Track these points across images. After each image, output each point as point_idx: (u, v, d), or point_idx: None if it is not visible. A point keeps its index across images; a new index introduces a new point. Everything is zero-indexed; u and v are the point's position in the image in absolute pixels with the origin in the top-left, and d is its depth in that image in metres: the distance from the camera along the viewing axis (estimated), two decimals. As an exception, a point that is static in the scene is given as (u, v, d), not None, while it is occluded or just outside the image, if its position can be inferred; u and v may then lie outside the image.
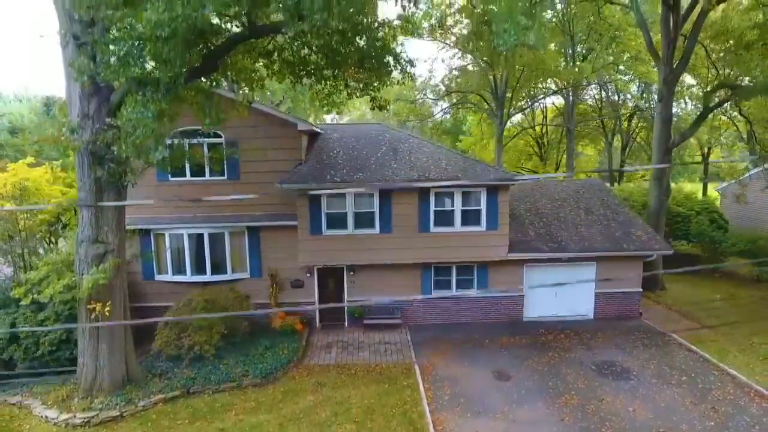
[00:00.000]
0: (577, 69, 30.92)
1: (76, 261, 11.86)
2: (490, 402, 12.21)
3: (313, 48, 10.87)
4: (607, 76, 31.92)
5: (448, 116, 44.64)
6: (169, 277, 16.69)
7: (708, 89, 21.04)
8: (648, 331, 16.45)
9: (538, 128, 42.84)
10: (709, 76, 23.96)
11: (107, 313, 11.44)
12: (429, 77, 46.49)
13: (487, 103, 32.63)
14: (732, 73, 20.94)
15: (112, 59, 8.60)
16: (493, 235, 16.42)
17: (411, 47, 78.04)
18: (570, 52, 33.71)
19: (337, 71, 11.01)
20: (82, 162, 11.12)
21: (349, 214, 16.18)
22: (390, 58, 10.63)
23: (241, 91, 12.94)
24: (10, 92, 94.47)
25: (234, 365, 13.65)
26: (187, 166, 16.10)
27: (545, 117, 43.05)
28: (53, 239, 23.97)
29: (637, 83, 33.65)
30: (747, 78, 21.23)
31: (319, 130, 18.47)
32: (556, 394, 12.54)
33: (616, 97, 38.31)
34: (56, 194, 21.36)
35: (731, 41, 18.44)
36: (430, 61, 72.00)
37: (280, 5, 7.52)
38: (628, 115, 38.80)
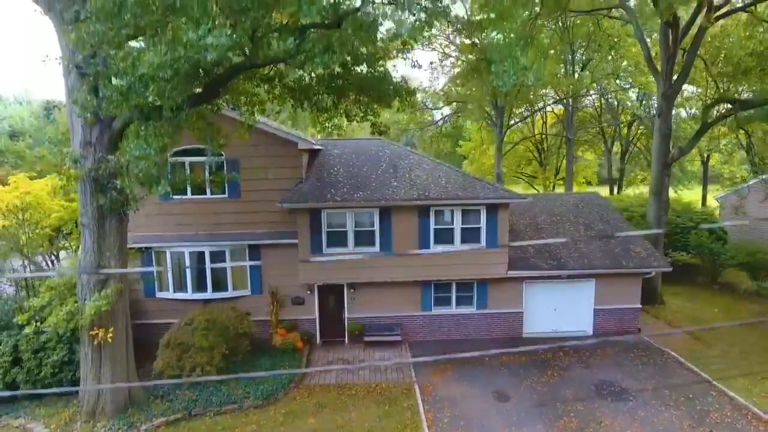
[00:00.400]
0: (576, 77, 31.03)
1: (79, 286, 11.94)
2: (489, 425, 12.30)
3: (314, 76, 10.96)
4: (606, 82, 31.96)
5: (447, 124, 44.75)
6: (170, 294, 16.77)
7: (707, 103, 21.07)
8: (646, 348, 16.54)
9: (537, 135, 42.98)
10: (708, 88, 24.03)
11: (110, 339, 11.51)
12: (429, 86, 46.45)
13: (487, 113, 32.73)
14: (731, 87, 20.97)
15: (114, 95, 8.68)
16: (492, 253, 16.51)
17: (414, 56, 77.44)
18: (569, 58, 33.81)
19: (337, 99, 11.07)
20: (84, 189, 11.20)
21: (350, 232, 16.26)
22: (390, 87, 10.70)
23: (242, 115, 12.98)
24: (10, 95, 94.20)
25: (235, 386, 13.74)
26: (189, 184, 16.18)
27: (545, 122, 43.19)
28: (55, 252, 24.08)
29: (636, 91, 33.70)
30: (746, 89, 21.29)
31: (319, 147, 18.53)
32: (555, 416, 12.62)
33: (615, 103, 38.44)
34: (57, 208, 21.40)
35: (730, 66, 18.52)
36: (431, 70, 71.70)
37: (282, 49, 7.60)
38: (627, 122, 38.93)
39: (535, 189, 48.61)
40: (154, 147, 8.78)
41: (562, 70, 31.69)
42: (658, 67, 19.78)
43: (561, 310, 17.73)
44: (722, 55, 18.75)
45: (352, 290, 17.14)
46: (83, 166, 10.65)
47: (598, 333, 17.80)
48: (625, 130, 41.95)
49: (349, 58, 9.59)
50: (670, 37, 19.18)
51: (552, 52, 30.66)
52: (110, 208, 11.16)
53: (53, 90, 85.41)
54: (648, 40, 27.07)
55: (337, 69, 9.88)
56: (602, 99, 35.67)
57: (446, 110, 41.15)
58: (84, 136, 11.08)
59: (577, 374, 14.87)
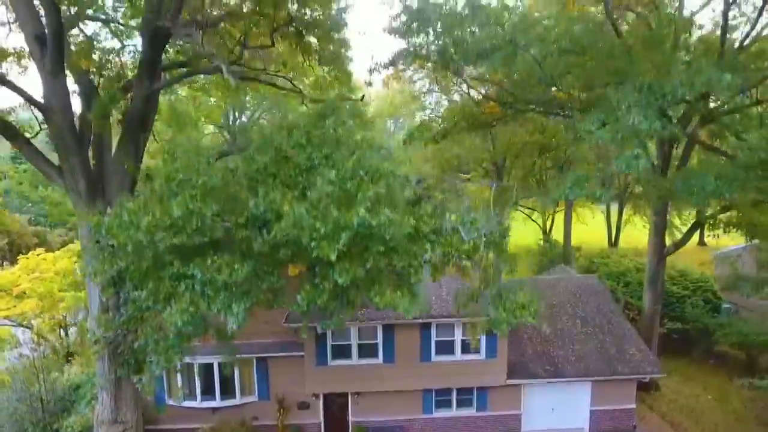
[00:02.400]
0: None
1: (96, 439, 12.49)
2: None
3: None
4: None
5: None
6: (180, 402, 17.33)
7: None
8: (641, 455, 17.13)
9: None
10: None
11: (128, 497, 12.09)
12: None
13: (486, 171, 33.15)
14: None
15: (134, 312, 9.20)
16: (492, 363, 17.07)
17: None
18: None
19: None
20: (102, 356, 11.72)
21: (354, 345, 16.82)
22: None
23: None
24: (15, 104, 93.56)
25: None
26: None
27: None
28: (65, 327, 24.65)
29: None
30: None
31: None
32: None
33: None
34: (66, 297, 21.86)
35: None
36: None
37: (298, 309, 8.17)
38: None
39: (534, 222, 49.00)
40: (175, 361, 9.32)
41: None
42: (654, 163, 20.21)
43: (558, 409, 18.29)
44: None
45: (356, 395, 17.70)
46: (102, 345, 11.15)
47: (595, 431, 18.39)
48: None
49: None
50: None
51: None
52: (127, 375, 11.68)
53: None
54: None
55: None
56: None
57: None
58: (101, 304, 11.60)
59: (574, 492, 15.44)
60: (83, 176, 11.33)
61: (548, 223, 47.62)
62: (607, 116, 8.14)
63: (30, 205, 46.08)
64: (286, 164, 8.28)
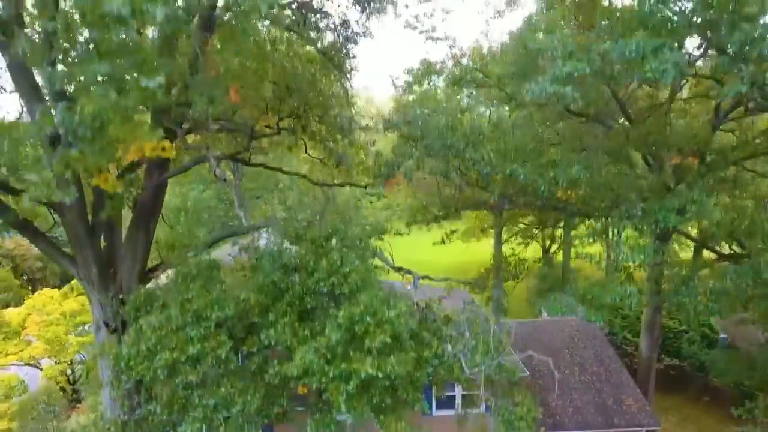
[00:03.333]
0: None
1: None
2: None
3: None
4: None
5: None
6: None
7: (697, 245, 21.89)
8: (636, 507, 17.56)
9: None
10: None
11: None
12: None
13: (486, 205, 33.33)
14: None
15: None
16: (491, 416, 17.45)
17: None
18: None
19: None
20: (113, 436, 12.09)
21: (357, 401, 17.21)
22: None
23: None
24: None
25: None
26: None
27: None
28: (73, 368, 25.04)
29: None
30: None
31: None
32: None
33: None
34: (73, 341, 22.26)
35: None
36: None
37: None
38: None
39: (534, 239, 48.96)
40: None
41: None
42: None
43: (557, 459, 18.72)
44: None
45: (358, 448, 18.12)
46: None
47: (592, 481, 18.82)
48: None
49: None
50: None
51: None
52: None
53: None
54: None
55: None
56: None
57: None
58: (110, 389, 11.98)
59: None
60: (95, 265, 11.65)
61: (547, 242, 47.73)
62: (601, 240, 8.51)
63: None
64: (292, 278, 8.67)
